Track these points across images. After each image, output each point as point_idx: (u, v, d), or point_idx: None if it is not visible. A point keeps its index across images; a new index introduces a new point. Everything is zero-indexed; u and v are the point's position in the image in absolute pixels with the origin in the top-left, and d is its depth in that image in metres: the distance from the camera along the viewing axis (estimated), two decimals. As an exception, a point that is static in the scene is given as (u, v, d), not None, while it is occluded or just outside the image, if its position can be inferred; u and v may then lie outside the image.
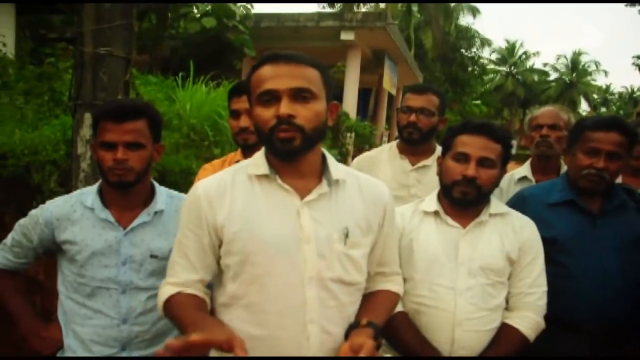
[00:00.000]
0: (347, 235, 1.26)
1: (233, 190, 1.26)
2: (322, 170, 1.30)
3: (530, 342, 1.62)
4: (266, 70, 1.21)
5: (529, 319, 1.62)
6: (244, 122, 2.03)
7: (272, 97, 1.19)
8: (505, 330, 1.61)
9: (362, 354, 1.12)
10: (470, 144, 1.61)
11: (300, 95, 1.19)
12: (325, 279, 1.23)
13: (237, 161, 2.09)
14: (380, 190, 1.37)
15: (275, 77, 1.19)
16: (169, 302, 1.25)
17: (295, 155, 1.22)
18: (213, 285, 1.34)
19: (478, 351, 1.57)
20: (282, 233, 1.22)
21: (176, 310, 1.22)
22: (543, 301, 1.66)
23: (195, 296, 1.26)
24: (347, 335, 1.24)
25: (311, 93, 1.20)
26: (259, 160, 1.30)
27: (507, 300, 1.69)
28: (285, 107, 1.17)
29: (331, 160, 1.32)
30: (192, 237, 1.26)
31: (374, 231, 1.33)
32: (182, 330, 1.17)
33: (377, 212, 1.33)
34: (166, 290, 1.27)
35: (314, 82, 1.21)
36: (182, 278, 1.27)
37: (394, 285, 1.44)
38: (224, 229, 1.23)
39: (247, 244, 1.22)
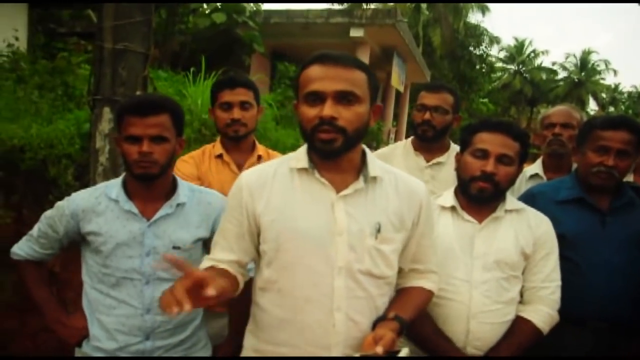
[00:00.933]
0: (378, 230, 1.30)
1: (273, 182, 1.33)
2: (361, 166, 1.34)
3: (544, 335, 1.65)
4: (314, 71, 1.25)
5: (542, 312, 1.66)
6: (237, 114, 2.08)
7: (317, 98, 1.24)
8: (519, 323, 1.65)
9: (380, 344, 1.16)
10: (490, 140, 1.63)
11: (345, 97, 1.23)
12: (354, 270, 1.28)
13: (220, 155, 2.13)
14: (417, 188, 1.40)
15: (322, 78, 1.23)
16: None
17: (336, 156, 1.27)
18: (255, 271, 1.42)
19: (492, 343, 1.61)
20: (316, 224, 1.28)
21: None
22: (557, 295, 1.69)
23: (224, 270, 1.34)
24: (374, 326, 1.28)
25: (355, 96, 1.24)
26: (300, 155, 1.35)
27: (521, 294, 1.72)
28: (328, 109, 1.21)
29: (371, 158, 1.37)
30: (233, 222, 1.36)
31: (407, 228, 1.37)
32: None
33: (412, 210, 1.37)
34: (203, 264, 1.38)
35: (359, 85, 1.25)
36: (219, 256, 1.37)
37: (428, 282, 1.47)
38: (261, 218, 1.31)
39: (281, 233, 1.28)
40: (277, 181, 1.33)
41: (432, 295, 1.48)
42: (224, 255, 1.37)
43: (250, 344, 1.40)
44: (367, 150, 1.38)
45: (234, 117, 2.08)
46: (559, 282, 1.71)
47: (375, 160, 1.39)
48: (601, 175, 1.84)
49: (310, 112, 1.24)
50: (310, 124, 1.24)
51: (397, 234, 1.34)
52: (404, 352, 1.18)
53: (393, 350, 1.18)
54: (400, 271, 1.43)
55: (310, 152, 1.33)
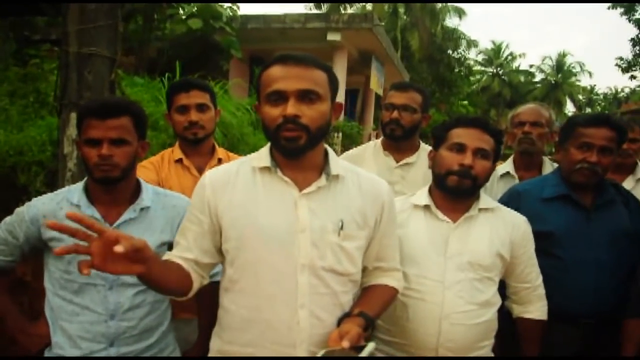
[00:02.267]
0: (341, 227, 1.31)
1: (236, 180, 1.34)
2: (324, 165, 1.36)
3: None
4: (276, 71, 1.27)
5: (544, 307, 1.77)
6: (195, 116, 2.07)
7: (279, 97, 1.25)
8: (532, 325, 1.76)
9: (346, 338, 1.16)
10: (466, 135, 1.64)
11: (307, 96, 1.25)
12: (318, 267, 1.29)
13: (180, 159, 2.13)
14: (380, 187, 1.42)
15: (284, 78, 1.25)
16: None
17: (300, 154, 1.28)
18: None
19: (464, 345, 1.60)
20: (278, 222, 1.28)
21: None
22: (544, 289, 1.78)
23: (177, 264, 1.33)
24: (339, 323, 1.29)
25: (317, 94, 1.26)
26: (262, 154, 1.36)
27: (511, 294, 1.79)
28: (291, 108, 1.23)
29: (332, 156, 1.38)
30: (194, 220, 1.35)
31: (370, 226, 1.37)
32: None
33: (374, 208, 1.38)
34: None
35: (320, 84, 1.27)
36: (177, 254, 1.36)
37: (392, 280, 1.48)
38: (223, 216, 1.31)
39: (243, 231, 1.29)
40: (240, 180, 1.34)
41: (396, 293, 1.49)
42: (181, 253, 1.36)
43: (216, 346, 1.39)
44: (329, 149, 1.39)
45: (191, 119, 2.07)
46: (541, 276, 1.78)
47: (337, 159, 1.40)
48: (584, 172, 1.87)
49: (273, 111, 1.26)
50: (274, 123, 1.26)
51: (361, 231, 1.35)
52: (370, 346, 1.18)
53: (359, 345, 1.18)
54: (365, 269, 1.44)
55: (273, 151, 1.34)
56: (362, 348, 1.17)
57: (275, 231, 1.28)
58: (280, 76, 1.25)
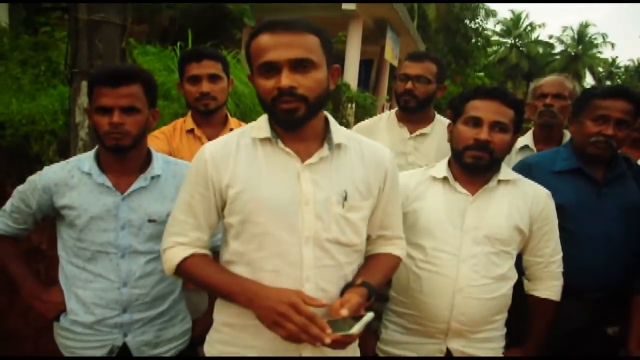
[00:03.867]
0: (345, 199, 1.28)
1: (237, 153, 1.30)
2: (325, 134, 1.32)
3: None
4: (264, 40, 1.20)
5: (556, 288, 1.72)
6: (206, 87, 2.04)
7: (272, 68, 1.20)
8: (540, 304, 1.72)
9: (346, 307, 1.16)
10: (483, 108, 1.59)
11: (301, 64, 1.19)
12: (322, 239, 1.27)
13: (192, 130, 2.10)
14: (382, 154, 1.38)
15: (274, 47, 1.19)
16: (185, 263, 1.30)
17: (299, 125, 1.24)
18: (220, 244, 1.39)
19: (476, 319, 1.60)
20: (282, 195, 1.26)
21: (200, 270, 1.29)
22: (561, 267, 1.73)
23: (208, 256, 1.33)
24: (342, 293, 1.28)
25: (311, 62, 1.20)
26: (262, 124, 1.32)
27: (524, 268, 1.75)
28: (286, 79, 1.18)
29: (334, 125, 1.34)
30: (199, 198, 1.31)
31: (374, 195, 1.35)
32: (211, 286, 1.28)
33: (377, 177, 1.35)
34: (178, 251, 1.31)
35: (314, 50, 1.21)
36: (192, 237, 1.32)
37: (396, 248, 1.47)
38: (227, 190, 1.28)
39: (248, 204, 1.26)
40: (241, 152, 1.30)
41: (399, 261, 1.48)
42: (196, 234, 1.33)
43: (220, 319, 1.37)
44: (330, 117, 1.35)
45: (202, 90, 2.04)
46: (561, 254, 1.73)
47: (339, 127, 1.36)
48: (599, 144, 1.83)
49: (267, 84, 1.21)
50: (269, 95, 1.21)
51: (365, 201, 1.33)
52: (368, 316, 1.18)
53: (358, 315, 1.18)
54: (368, 238, 1.43)
55: (272, 121, 1.30)
56: (361, 317, 1.17)
57: (279, 204, 1.25)
58: (270, 45, 1.19)
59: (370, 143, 1.41)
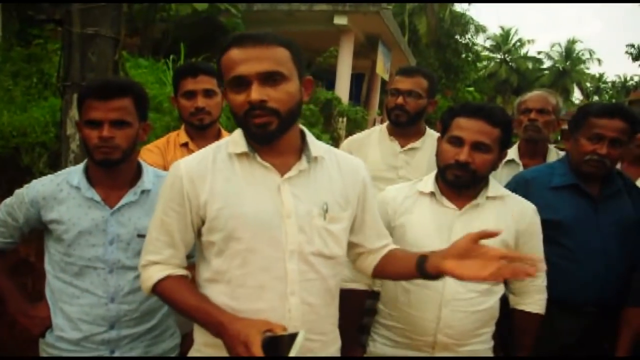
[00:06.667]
0: (326, 211, 1.29)
1: (214, 169, 1.28)
2: (302, 147, 1.32)
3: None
4: (234, 54, 1.20)
5: (541, 301, 1.72)
6: (201, 102, 2.05)
7: (242, 82, 1.20)
8: (525, 318, 1.72)
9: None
10: (467, 127, 1.60)
11: (271, 78, 1.19)
12: (306, 252, 1.26)
13: (186, 143, 2.11)
14: (357, 165, 1.41)
15: (243, 61, 1.19)
16: (160, 285, 1.28)
17: (273, 139, 1.24)
18: (196, 261, 1.36)
19: (463, 332, 1.60)
20: (264, 209, 1.25)
21: (174, 295, 1.27)
22: (546, 281, 1.74)
23: (184, 277, 1.30)
24: (421, 272, 1.33)
25: (281, 75, 1.20)
26: (237, 138, 1.31)
27: (510, 282, 1.74)
28: (255, 93, 1.17)
29: (310, 138, 1.34)
30: (174, 215, 1.28)
31: (353, 206, 1.37)
32: (183, 313, 1.26)
33: (355, 187, 1.37)
34: (153, 272, 1.29)
35: (284, 63, 1.21)
36: (166, 255, 1.30)
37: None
38: (206, 207, 1.25)
39: (230, 221, 1.24)
40: (218, 167, 1.28)
41: None
42: (170, 252, 1.30)
43: (201, 340, 1.32)
44: (306, 130, 1.36)
45: (197, 105, 2.05)
46: (545, 267, 1.73)
47: (315, 140, 1.36)
48: (592, 163, 1.85)
49: (238, 98, 1.21)
50: (241, 109, 1.21)
51: (344, 212, 1.34)
52: (300, 335, 1.12)
53: (294, 333, 1.13)
54: (370, 252, 1.46)
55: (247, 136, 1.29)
56: (296, 335, 1.12)
57: (261, 219, 1.24)
58: (239, 59, 1.19)
59: (344, 155, 1.44)
